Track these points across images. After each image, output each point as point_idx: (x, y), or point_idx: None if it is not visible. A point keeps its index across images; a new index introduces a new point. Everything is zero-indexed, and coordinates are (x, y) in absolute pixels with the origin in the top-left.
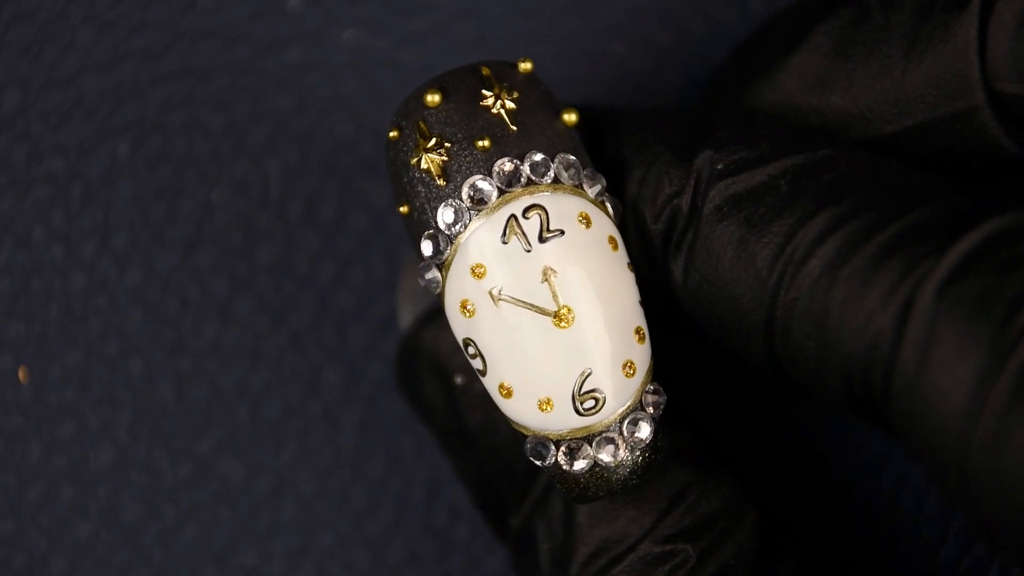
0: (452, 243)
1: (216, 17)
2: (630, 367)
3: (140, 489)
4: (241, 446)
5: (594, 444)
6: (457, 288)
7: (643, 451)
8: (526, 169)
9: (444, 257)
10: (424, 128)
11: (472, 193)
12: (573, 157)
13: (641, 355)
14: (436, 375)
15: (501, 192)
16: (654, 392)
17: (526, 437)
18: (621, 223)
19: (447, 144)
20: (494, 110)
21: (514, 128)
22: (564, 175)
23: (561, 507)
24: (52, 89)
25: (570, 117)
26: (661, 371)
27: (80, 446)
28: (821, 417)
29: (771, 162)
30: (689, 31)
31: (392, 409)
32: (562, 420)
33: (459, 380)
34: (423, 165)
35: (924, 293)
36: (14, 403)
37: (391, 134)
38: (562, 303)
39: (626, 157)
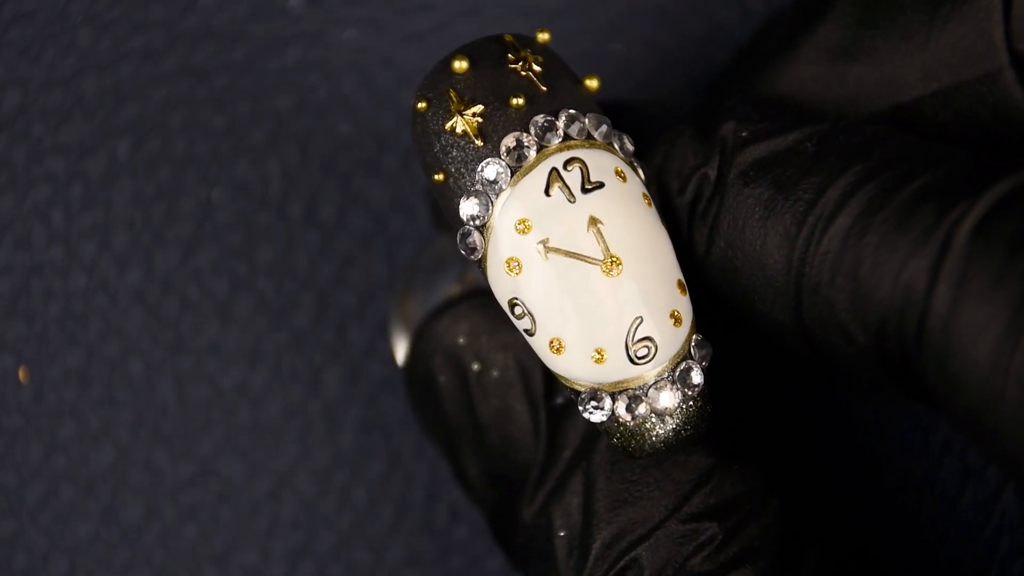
0: (494, 201)
1: (216, 17)
2: (677, 317)
3: (140, 489)
4: (241, 446)
5: (650, 392)
6: (501, 246)
7: (697, 399)
8: (561, 123)
9: (486, 217)
10: (454, 95)
11: (511, 150)
12: (604, 116)
13: (685, 306)
14: (450, 364)
15: (540, 148)
16: (700, 343)
17: (578, 393)
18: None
19: (480, 106)
20: (523, 72)
21: (544, 88)
22: (596, 133)
23: (580, 494)
24: (52, 89)
25: (592, 83)
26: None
27: (80, 446)
28: (846, 408)
29: (795, 129)
30: (689, 31)
31: (392, 409)
32: (616, 370)
33: (475, 367)
34: (459, 128)
35: (960, 232)
36: (14, 403)
37: (419, 105)
38: (611, 251)
39: (648, 136)
